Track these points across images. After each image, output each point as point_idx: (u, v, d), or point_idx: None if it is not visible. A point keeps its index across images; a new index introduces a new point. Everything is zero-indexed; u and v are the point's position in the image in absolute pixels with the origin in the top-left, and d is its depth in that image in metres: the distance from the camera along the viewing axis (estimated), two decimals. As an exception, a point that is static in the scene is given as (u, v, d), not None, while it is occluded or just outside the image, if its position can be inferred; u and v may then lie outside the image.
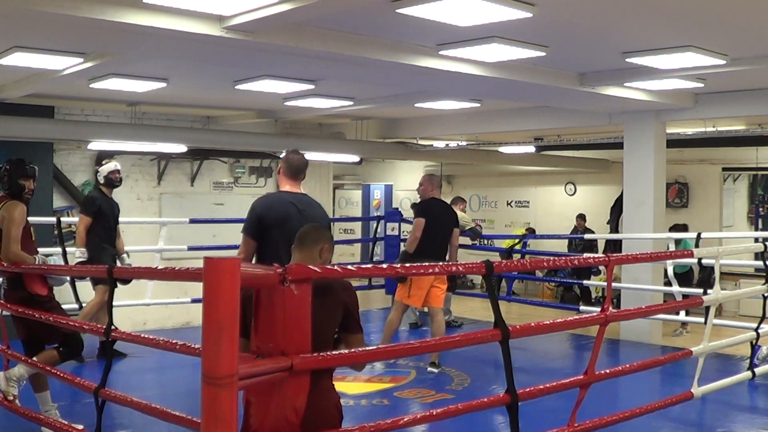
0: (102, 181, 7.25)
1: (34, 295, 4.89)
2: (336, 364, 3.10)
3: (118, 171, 7.25)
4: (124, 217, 12.12)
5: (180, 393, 5.71)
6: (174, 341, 3.47)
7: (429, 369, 6.82)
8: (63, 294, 6.55)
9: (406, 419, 3.36)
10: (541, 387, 3.94)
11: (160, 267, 8.29)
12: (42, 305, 4.84)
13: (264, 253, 4.57)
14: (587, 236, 12.45)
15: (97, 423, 3.84)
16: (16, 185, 5.07)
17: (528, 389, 3.77)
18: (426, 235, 6.83)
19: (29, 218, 5.13)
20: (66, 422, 4.58)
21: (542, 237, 14.00)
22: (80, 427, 4.57)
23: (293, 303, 2.72)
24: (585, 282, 11.84)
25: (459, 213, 9.13)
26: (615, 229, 13.92)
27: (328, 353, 2.97)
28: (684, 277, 9.69)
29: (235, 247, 8.94)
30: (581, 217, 14.85)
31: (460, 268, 3.76)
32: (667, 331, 11.03)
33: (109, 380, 3.98)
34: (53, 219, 8.30)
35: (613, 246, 12.48)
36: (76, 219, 11.58)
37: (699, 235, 7.92)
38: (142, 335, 3.95)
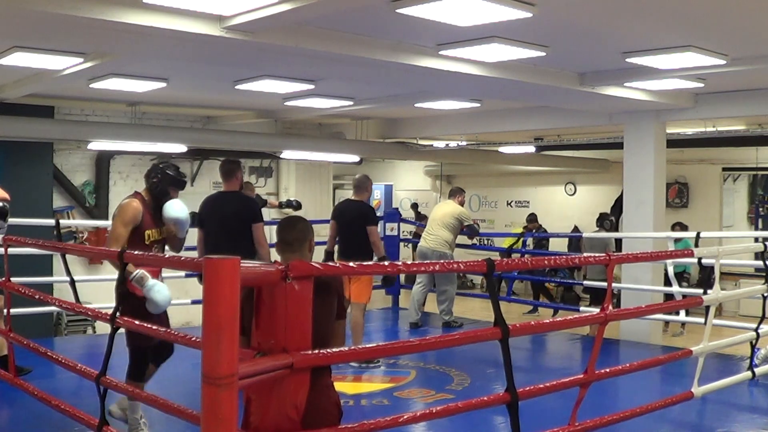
0: None
1: (130, 294, 4.67)
2: (336, 362, 3.11)
3: None
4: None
5: (179, 393, 5.70)
6: (175, 332, 3.48)
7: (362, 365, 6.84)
8: (63, 293, 6.54)
9: (406, 416, 3.36)
10: (541, 386, 3.93)
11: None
12: (136, 305, 4.61)
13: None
14: (586, 234, 12.43)
15: (101, 410, 3.84)
16: (163, 191, 4.98)
17: (528, 388, 3.77)
18: (339, 236, 7.36)
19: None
20: None
21: (540, 236, 14.03)
22: None
23: (295, 300, 2.72)
24: (585, 283, 11.84)
25: (457, 207, 9.05)
26: (615, 229, 13.93)
27: (328, 350, 2.97)
28: (678, 276, 9.68)
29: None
30: (531, 219, 14.86)
31: (461, 267, 3.75)
32: (667, 332, 11.04)
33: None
34: (52, 221, 8.22)
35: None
36: (76, 221, 11.73)
37: (698, 234, 7.90)
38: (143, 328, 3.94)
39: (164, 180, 5.01)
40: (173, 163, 5.21)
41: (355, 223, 7.14)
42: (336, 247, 7.47)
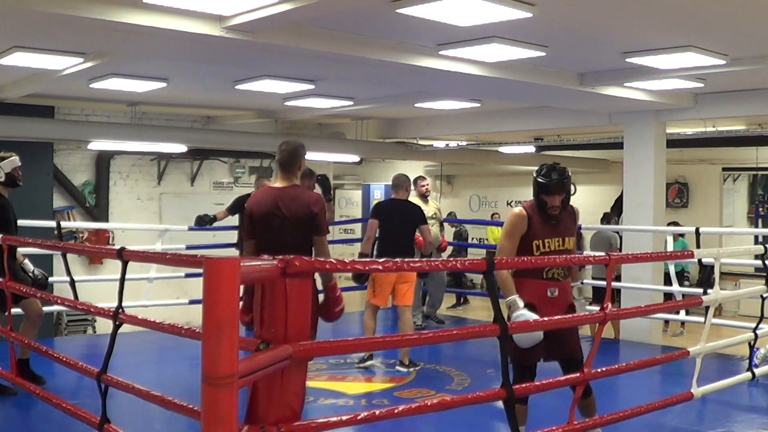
0: (1, 180, 5.58)
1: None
2: (334, 353, 3.14)
3: (20, 167, 5.70)
4: (125, 216, 12.27)
5: (179, 392, 5.71)
6: (179, 325, 3.49)
7: (398, 368, 6.74)
8: (64, 294, 6.53)
9: (401, 408, 3.36)
10: (537, 383, 3.93)
11: (157, 268, 8.40)
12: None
13: None
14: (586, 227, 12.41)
15: (102, 408, 3.84)
16: (541, 202, 4.28)
17: (524, 384, 3.76)
18: (383, 236, 6.99)
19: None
20: None
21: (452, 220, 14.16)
22: None
23: (293, 294, 2.75)
24: (585, 282, 11.84)
25: (418, 201, 8.05)
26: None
27: (328, 341, 3.01)
28: (678, 275, 9.67)
29: (232, 245, 8.95)
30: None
31: (458, 265, 3.76)
32: (668, 332, 11.04)
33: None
34: (53, 222, 8.22)
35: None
36: (77, 223, 11.72)
37: (698, 229, 7.87)
38: (143, 331, 3.95)
39: (535, 187, 4.32)
40: (556, 164, 4.41)
41: (407, 222, 6.97)
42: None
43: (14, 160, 5.61)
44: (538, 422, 3.91)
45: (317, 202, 4.46)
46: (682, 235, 11.12)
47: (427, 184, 8.56)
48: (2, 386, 5.46)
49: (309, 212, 4.38)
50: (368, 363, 6.80)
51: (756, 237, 13.56)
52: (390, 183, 7.43)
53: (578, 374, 4.08)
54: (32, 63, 6.83)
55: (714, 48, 6.30)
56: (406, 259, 5.97)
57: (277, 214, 4.39)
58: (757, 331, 5.93)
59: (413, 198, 7.99)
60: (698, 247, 7.75)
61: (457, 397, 3.69)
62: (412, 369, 6.73)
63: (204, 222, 8.30)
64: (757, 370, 5.84)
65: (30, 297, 5.32)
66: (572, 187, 4.37)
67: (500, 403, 3.66)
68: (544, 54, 6.40)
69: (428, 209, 8.18)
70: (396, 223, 6.94)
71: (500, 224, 14.96)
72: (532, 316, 4.00)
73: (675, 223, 11.44)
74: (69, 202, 11.79)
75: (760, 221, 15.17)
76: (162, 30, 5.13)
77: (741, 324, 7.54)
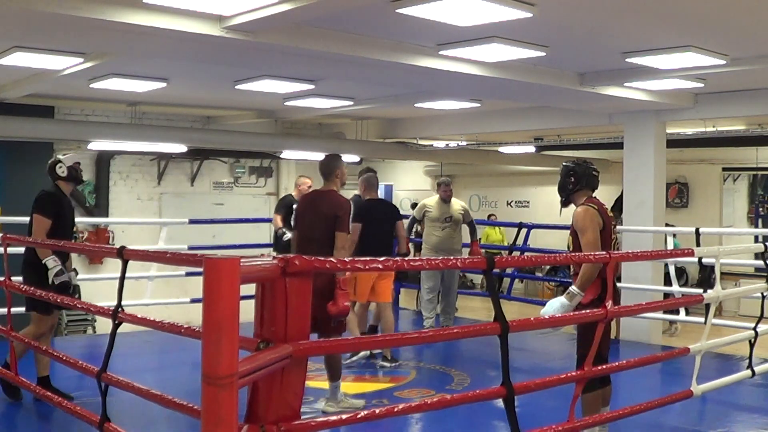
0: (64, 175, 5.53)
1: None
2: (334, 352, 3.14)
3: (79, 163, 5.70)
4: (125, 217, 12.27)
5: (180, 393, 5.70)
6: (179, 324, 3.49)
7: (381, 363, 6.83)
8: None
9: (401, 407, 3.37)
10: (537, 381, 3.94)
11: (158, 266, 8.40)
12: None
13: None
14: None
15: (102, 407, 3.84)
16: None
17: (524, 383, 3.77)
18: (365, 236, 7.00)
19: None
20: None
21: (539, 227, 14.03)
22: None
23: (294, 293, 2.76)
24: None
25: (436, 201, 8.51)
26: (615, 229, 13.93)
27: (328, 340, 3.00)
28: (677, 274, 9.66)
29: (234, 246, 8.92)
30: None
31: (458, 264, 3.76)
32: (670, 331, 11.03)
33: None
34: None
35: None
36: (77, 219, 11.67)
37: (698, 230, 7.86)
38: (144, 330, 3.95)
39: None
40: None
41: (386, 220, 7.07)
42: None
43: (74, 155, 5.76)
44: (538, 422, 3.91)
45: (342, 206, 5.37)
46: (673, 235, 11.09)
47: (449, 191, 8.60)
48: (14, 388, 5.41)
49: (334, 213, 5.29)
50: (359, 356, 6.88)
51: (756, 237, 13.57)
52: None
53: (578, 372, 4.09)
54: (32, 63, 6.84)
55: (714, 48, 6.31)
56: (406, 258, 6.02)
57: (310, 212, 5.45)
58: (758, 329, 5.93)
59: (436, 200, 8.45)
60: (698, 246, 7.75)
61: (457, 396, 3.68)
62: (393, 364, 6.81)
63: (283, 239, 7.96)
64: (756, 369, 5.84)
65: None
66: (565, 181, 5.04)
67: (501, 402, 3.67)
68: (544, 54, 6.40)
69: (442, 211, 8.40)
70: (374, 223, 7.01)
71: (496, 224, 14.85)
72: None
73: (668, 225, 11.42)
74: (69, 202, 11.79)
75: (760, 221, 15.17)
76: (162, 30, 5.13)
77: (741, 324, 7.54)
